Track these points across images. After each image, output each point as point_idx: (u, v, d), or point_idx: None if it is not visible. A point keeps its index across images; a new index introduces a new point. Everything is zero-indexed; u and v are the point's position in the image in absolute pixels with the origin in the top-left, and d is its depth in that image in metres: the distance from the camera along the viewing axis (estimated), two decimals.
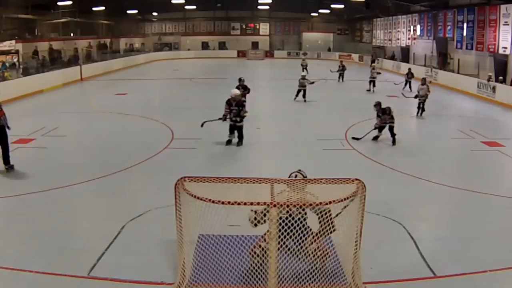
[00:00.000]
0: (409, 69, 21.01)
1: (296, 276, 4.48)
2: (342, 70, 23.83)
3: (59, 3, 26.50)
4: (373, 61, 31.42)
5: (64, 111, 15.52)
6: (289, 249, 4.42)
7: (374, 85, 20.20)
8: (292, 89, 20.62)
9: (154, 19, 44.34)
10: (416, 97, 14.38)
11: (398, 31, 31.01)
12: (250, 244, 4.72)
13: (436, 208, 7.31)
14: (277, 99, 18.16)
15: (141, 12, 39.00)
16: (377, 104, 11.18)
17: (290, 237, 4.27)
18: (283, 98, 18.06)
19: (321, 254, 4.53)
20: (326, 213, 4.27)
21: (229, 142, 10.61)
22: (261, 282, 4.32)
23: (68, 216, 6.64)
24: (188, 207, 4.47)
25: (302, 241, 4.39)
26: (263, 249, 4.32)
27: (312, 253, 4.47)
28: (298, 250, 4.41)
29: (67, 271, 5.02)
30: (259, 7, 38.42)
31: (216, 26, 45.34)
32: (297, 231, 4.21)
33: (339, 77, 23.90)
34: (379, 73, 21.64)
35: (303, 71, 24.77)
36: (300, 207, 4.15)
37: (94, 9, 31.37)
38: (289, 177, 4.89)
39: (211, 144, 10.66)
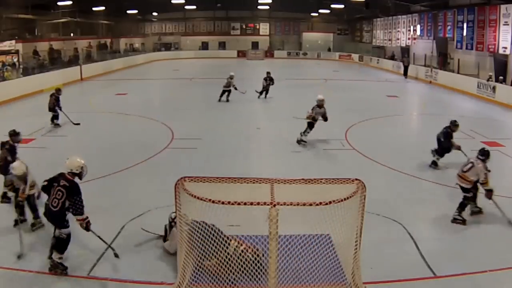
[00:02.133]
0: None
1: (296, 276, 4.48)
2: (268, 84, 17.69)
3: (59, 3, 26.49)
4: (406, 69, 26.35)
5: (64, 111, 15.49)
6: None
7: None
8: (292, 89, 20.68)
9: (154, 19, 44.32)
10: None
11: (398, 31, 31.00)
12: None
13: (436, 208, 7.31)
14: (277, 99, 18.13)
15: (141, 12, 38.98)
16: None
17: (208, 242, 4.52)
18: (283, 98, 18.05)
19: (251, 253, 4.69)
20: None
21: None
22: (261, 282, 4.32)
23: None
24: (188, 207, 4.47)
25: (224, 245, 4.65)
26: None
27: (242, 254, 4.64)
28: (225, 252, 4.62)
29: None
30: (259, 7, 38.40)
31: (216, 26, 45.31)
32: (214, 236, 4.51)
33: (260, 93, 17.66)
34: None
35: (225, 97, 17.07)
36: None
37: (94, 9, 31.35)
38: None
39: (211, 144, 10.66)
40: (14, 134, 7.14)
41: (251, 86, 20.81)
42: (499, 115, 15.32)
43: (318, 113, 10.59)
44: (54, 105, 12.54)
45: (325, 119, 10.62)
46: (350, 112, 14.75)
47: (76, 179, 5.17)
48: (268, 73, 18.03)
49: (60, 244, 4.99)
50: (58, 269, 4.98)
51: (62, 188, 4.93)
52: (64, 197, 4.91)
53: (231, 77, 17.26)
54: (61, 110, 12.64)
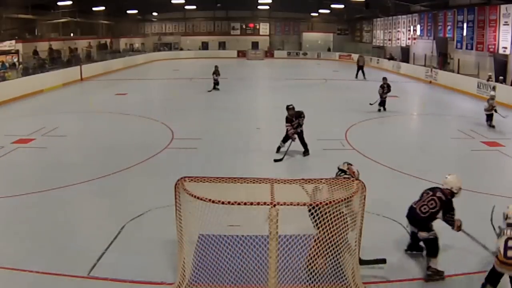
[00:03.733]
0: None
1: (296, 276, 4.48)
2: (384, 93, 14.92)
3: (59, 3, 26.47)
4: (360, 69, 25.06)
5: (64, 111, 15.52)
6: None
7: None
8: (292, 89, 20.68)
9: (154, 19, 44.30)
10: None
11: (398, 31, 30.99)
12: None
13: None
14: (277, 99, 18.12)
15: (141, 12, 38.96)
16: None
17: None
18: (283, 98, 17.98)
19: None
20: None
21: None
22: (261, 282, 4.32)
23: (68, 216, 6.64)
24: (188, 207, 4.47)
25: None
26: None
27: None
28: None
29: (67, 271, 5.02)
30: (259, 7, 38.36)
31: (216, 26, 45.29)
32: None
33: (379, 104, 14.90)
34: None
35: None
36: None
37: (94, 9, 31.32)
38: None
39: (211, 144, 10.66)
40: (289, 108, 9.71)
41: (251, 86, 20.84)
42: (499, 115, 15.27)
43: None
44: (216, 77, 19.49)
45: None
46: (350, 112, 14.74)
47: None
48: (384, 79, 15.31)
49: (430, 246, 4.94)
50: (436, 276, 4.88)
51: (438, 199, 4.88)
52: (437, 209, 4.87)
53: (493, 97, 13.11)
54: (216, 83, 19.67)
